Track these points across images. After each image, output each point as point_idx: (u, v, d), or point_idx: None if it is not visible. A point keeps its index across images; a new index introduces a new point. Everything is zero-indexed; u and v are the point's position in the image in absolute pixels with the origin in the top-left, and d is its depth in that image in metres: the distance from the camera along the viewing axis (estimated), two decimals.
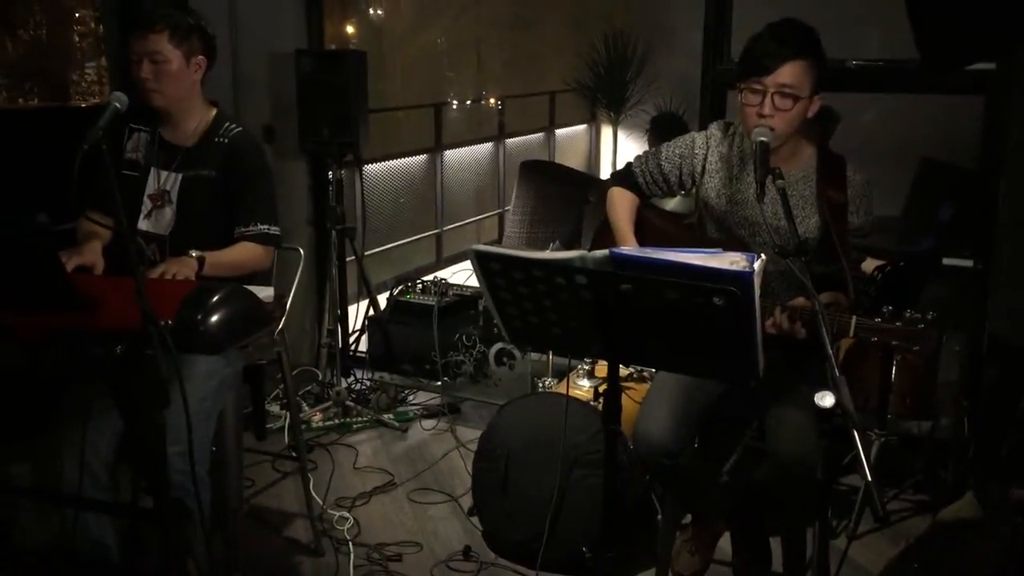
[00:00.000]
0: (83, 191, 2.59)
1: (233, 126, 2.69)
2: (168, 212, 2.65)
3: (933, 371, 3.49)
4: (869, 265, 3.02)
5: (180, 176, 2.65)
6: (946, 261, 3.74)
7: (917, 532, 2.76)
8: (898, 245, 5.19)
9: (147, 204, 2.66)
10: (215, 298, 2.08)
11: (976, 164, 3.93)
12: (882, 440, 3.34)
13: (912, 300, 3.25)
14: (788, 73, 2.25)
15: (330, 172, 4.35)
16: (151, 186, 2.66)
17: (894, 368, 3.41)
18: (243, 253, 2.66)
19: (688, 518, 2.79)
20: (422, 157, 6.58)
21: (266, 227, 2.68)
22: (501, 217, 7.55)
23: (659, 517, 2.96)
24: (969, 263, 3.61)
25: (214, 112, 2.72)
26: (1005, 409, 3.23)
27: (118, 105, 2.41)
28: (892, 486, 3.45)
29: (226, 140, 2.67)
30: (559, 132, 8.53)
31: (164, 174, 2.66)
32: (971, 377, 3.47)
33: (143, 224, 2.65)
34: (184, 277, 2.41)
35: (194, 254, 2.50)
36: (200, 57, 2.63)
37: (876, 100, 6.36)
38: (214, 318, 2.06)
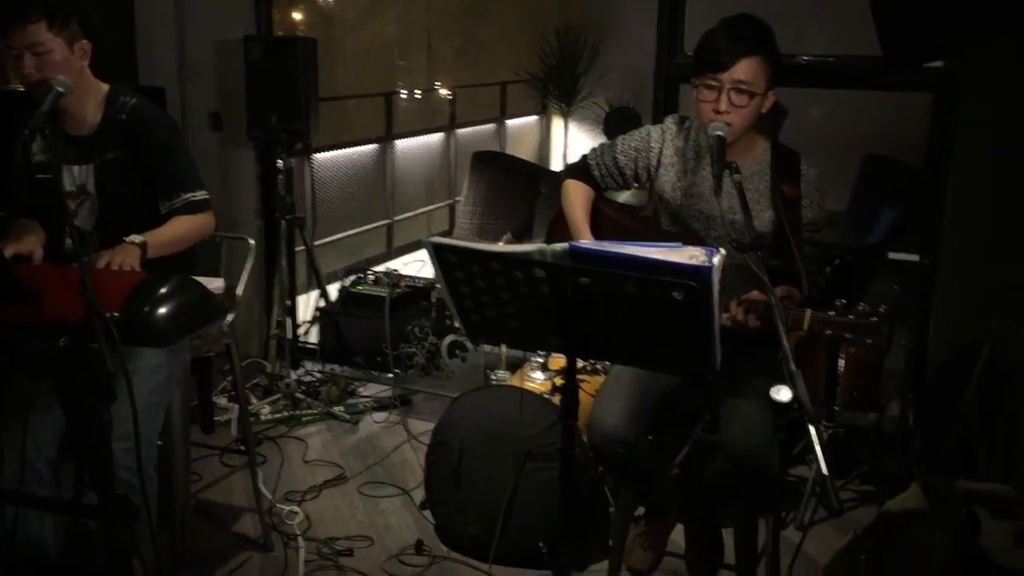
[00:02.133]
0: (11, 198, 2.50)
1: (129, 99, 2.57)
2: (90, 205, 2.55)
3: (880, 363, 3.56)
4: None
5: (92, 166, 2.54)
6: (892, 256, 3.81)
7: (864, 523, 2.80)
8: (844, 239, 5.28)
9: (69, 204, 2.56)
10: (163, 290, 2.03)
11: (919, 160, 4.01)
12: (829, 431, 3.38)
13: (859, 294, 3.30)
14: (743, 70, 2.25)
15: (279, 161, 4.27)
16: (67, 184, 2.54)
17: (842, 360, 3.46)
18: (181, 226, 2.56)
19: (641, 511, 2.80)
20: (372, 147, 6.51)
21: (190, 195, 2.57)
22: (452, 208, 7.51)
23: (612, 510, 2.97)
24: (915, 258, 3.67)
25: (106, 90, 2.58)
26: (950, 401, 3.30)
27: (61, 89, 2.34)
28: (839, 477, 3.50)
29: (125, 116, 2.55)
30: (510, 123, 8.50)
31: (76, 169, 2.54)
32: (916, 369, 3.54)
33: None
34: (130, 267, 2.34)
35: (136, 239, 2.41)
36: (84, 41, 2.48)
37: (822, 96, 6.45)
38: (162, 310, 2.01)
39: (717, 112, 2.27)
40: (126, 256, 2.34)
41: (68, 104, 2.50)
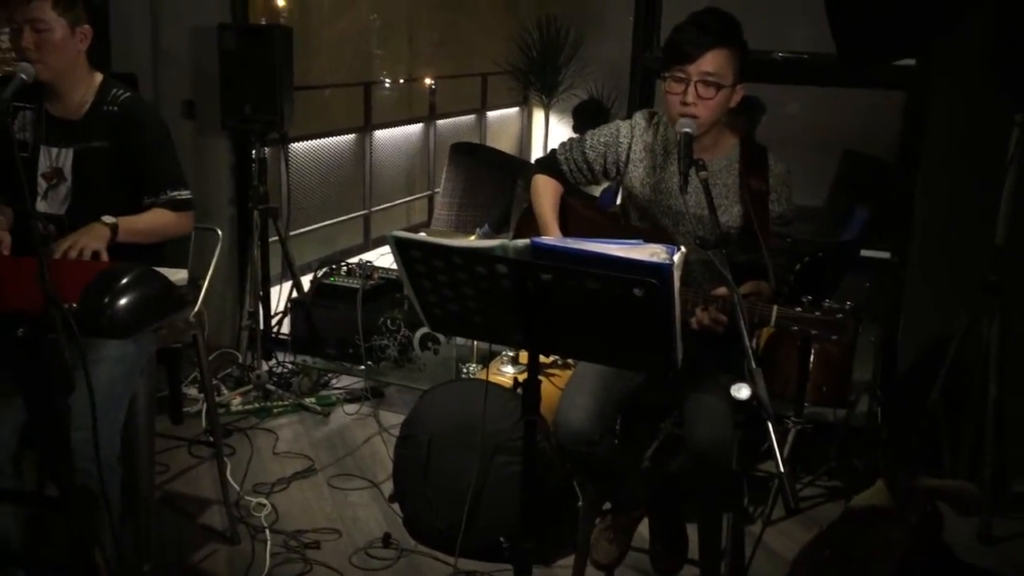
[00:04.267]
0: None
1: (121, 92, 2.58)
2: (63, 189, 2.55)
3: (849, 360, 3.58)
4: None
5: (72, 151, 2.54)
6: (865, 253, 3.82)
7: (830, 518, 2.81)
8: (819, 236, 5.29)
9: (41, 184, 2.55)
10: (123, 281, 2.01)
11: (896, 156, 4.03)
12: (798, 427, 3.40)
13: (830, 291, 3.32)
14: (711, 61, 2.26)
15: (253, 150, 4.24)
16: (43, 165, 2.55)
17: (812, 356, 3.48)
18: (159, 218, 2.57)
19: (608, 505, 2.81)
20: (351, 136, 6.48)
21: (175, 193, 2.59)
22: (431, 199, 7.49)
23: (579, 504, 2.97)
24: (887, 255, 3.69)
25: (100, 79, 2.60)
26: (916, 399, 3.32)
27: (24, 77, 2.33)
28: (807, 472, 3.52)
29: (116, 108, 2.56)
30: (491, 114, 8.48)
31: (55, 151, 2.55)
32: (885, 367, 3.56)
33: (40, 205, 2.55)
34: (93, 249, 2.33)
35: (108, 220, 2.41)
36: (86, 26, 2.51)
37: (802, 91, 6.47)
38: (121, 302, 1.99)
39: (684, 104, 2.27)
40: (90, 239, 2.34)
41: (58, 86, 2.53)
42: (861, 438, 3.49)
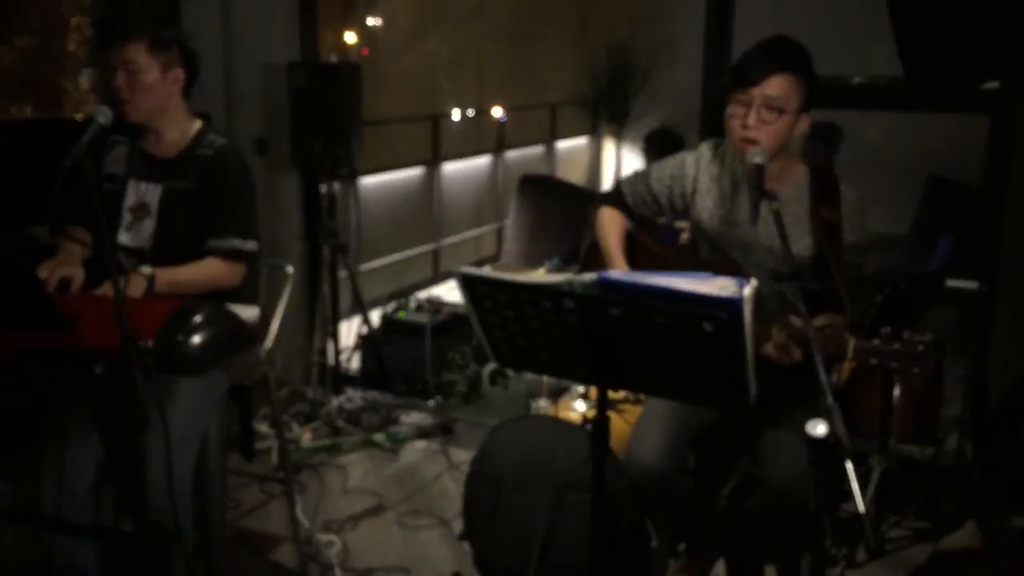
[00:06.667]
0: (65, 205, 2.54)
1: (218, 139, 2.64)
2: (148, 224, 2.59)
3: (937, 395, 3.44)
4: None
5: (160, 188, 2.59)
6: (952, 283, 3.68)
7: (917, 561, 2.69)
8: (903, 265, 5.13)
9: (127, 217, 2.60)
10: (197, 319, 2.05)
11: (983, 183, 3.88)
12: (883, 466, 3.26)
13: (914, 322, 3.19)
14: (775, 85, 2.22)
15: (323, 186, 4.29)
16: (130, 198, 2.60)
17: (897, 391, 3.35)
18: (203, 271, 2.57)
19: (683, 545, 2.73)
20: (419, 170, 6.52)
21: (239, 242, 2.60)
22: (500, 231, 7.49)
23: (654, 543, 2.89)
24: (974, 285, 3.55)
25: (199, 125, 2.66)
26: (1008, 435, 3.17)
27: (102, 120, 2.38)
28: (893, 512, 3.37)
29: (210, 152, 2.60)
30: (560, 144, 8.47)
31: (144, 186, 2.60)
32: (975, 402, 3.41)
33: (123, 237, 2.60)
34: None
35: (146, 271, 2.44)
36: (178, 70, 2.57)
37: (883, 116, 6.31)
38: (195, 339, 2.03)
39: (745, 127, 2.22)
40: (130, 287, 2.37)
41: (150, 125, 2.59)
42: (950, 477, 3.33)
